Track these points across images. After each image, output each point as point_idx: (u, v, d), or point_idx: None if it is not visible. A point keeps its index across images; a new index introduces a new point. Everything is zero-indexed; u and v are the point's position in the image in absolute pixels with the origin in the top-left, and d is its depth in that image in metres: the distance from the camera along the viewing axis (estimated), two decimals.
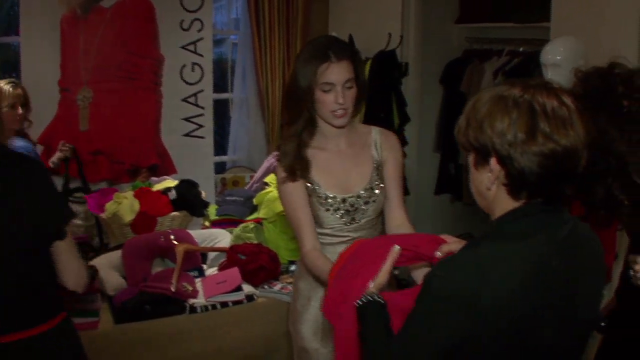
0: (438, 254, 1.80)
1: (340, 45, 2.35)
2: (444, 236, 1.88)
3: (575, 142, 1.42)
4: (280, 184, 2.44)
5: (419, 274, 2.01)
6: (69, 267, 2.09)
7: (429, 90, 5.18)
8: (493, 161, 1.46)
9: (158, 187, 3.94)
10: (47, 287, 2.09)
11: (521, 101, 1.42)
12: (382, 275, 1.74)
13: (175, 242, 3.45)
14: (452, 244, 1.81)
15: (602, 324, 2.22)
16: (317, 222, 2.41)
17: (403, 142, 4.77)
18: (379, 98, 4.82)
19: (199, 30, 5.09)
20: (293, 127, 2.41)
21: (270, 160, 4.57)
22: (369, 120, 4.31)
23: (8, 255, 1.97)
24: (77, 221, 3.84)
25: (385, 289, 1.74)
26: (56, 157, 4.12)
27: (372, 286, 1.71)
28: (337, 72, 2.29)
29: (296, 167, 2.37)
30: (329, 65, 2.28)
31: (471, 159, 1.54)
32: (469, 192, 1.61)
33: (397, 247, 1.77)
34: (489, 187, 1.49)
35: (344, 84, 2.30)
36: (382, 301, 1.67)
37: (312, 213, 2.39)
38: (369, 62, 4.88)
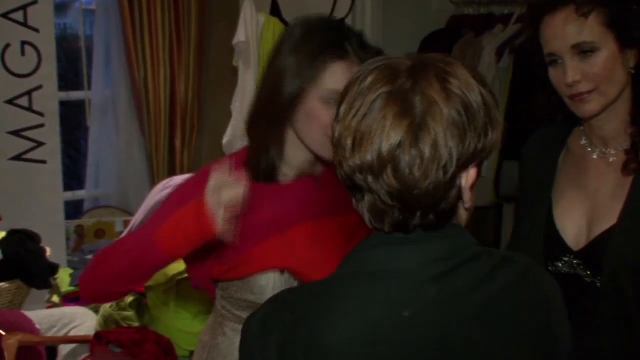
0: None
1: (361, 39, 2.27)
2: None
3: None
4: None
5: None
6: None
7: None
8: None
9: None
10: None
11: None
12: None
13: (1, 333, 3.55)
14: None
15: None
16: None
17: None
18: None
19: None
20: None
21: (157, 195, 4.50)
22: None
23: None
24: None
25: None
26: None
27: None
28: None
29: None
30: (345, 67, 2.21)
31: None
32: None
33: None
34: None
35: None
36: None
37: None
38: None
